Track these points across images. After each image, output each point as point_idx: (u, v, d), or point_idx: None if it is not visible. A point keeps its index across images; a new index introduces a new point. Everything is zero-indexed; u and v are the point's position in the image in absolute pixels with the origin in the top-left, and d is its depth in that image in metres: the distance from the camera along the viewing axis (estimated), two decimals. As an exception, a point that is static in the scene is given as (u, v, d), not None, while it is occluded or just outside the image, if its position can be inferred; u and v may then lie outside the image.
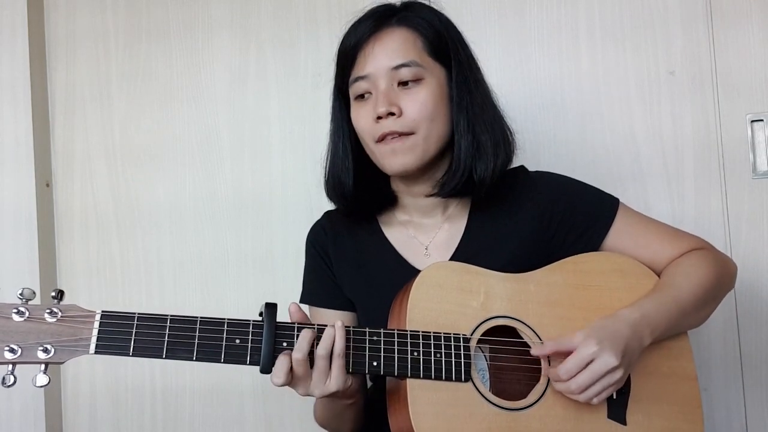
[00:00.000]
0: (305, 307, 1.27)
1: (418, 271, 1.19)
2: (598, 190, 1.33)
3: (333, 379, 1.06)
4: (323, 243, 1.36)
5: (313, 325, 1.08)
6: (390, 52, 1.22)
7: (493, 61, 1.68)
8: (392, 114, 1.20)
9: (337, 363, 1.06)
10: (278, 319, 1.07)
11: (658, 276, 1.27)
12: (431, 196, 1.27)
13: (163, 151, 1.91)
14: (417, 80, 1.21)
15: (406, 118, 1.20)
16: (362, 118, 1.24)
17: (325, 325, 1.08)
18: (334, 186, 1.31)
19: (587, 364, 1.09)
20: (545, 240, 1.28)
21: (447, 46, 1.24)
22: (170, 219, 1.90)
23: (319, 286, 1.36)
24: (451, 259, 1.27)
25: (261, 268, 1.85)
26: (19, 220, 1.88)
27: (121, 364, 1.89)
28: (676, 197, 1.65)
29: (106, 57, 1.95)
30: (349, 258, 1.34)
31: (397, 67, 1.21)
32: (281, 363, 1.04)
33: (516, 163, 1.32)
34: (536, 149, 1.68)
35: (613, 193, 1.34)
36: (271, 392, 1.79)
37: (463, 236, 1.29)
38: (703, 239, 1.32)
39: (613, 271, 1.24)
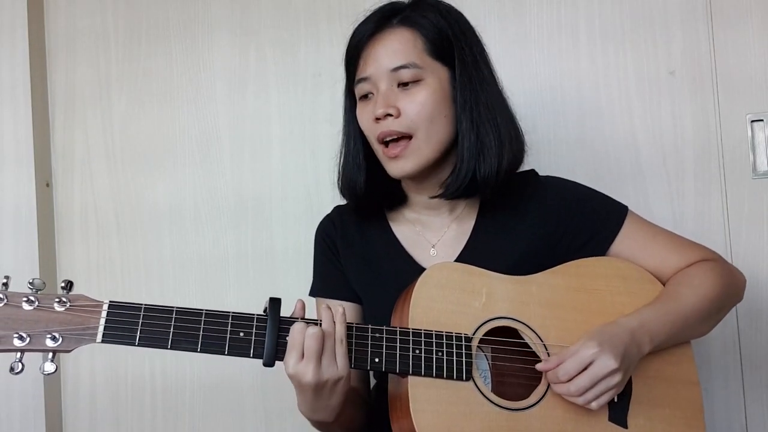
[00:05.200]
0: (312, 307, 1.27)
1: (423, 269, 1.20)
2: (608, 197, 1.33)
3: (339, 364, 1.07)
4: (332, 236, 1.38)
5: (318, 321, 1.09)
6: (390, 54, 1.22)
7: (493, 61, 1.68)
8: (390, 115, 1.20)
9: (341, 350, 1.07)
10: (282, 314, 1.08)
11: (663, 284, 1.26)
12: (436, 197, 1.27)
13: (163, 151, 1.91)
14: (416, 81, 1.21)
15: (404, 118, 1.20)
16: (364, 117, 1.25)
17: None
18: (346, 184, 1.32)
19: (587, 366, 1.09)
20: (552, 244, 1.28)
21: (450, 46, 1.24)
22: (170, 219, 1.90)
23: (327, 278, 1.38)
24: (458, 258, 1.27)
25: (261, 267, 1.85)
26: (19, 220, 1.87)
27: (121, 361, 1.89)
28: (676, 197, 1.65)
29: (106, 57, 1.95)
30: (357, 252, 1.35)
31: (396, 69, 1.21)
32: (294, 336, 1.05)
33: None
34: (536, 149, 1.66)
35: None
36: (271, 388, 1.80)
37: (470, 237, 1.30)
38: (712, 250, 1.32)
39: (616, 276, 1.24)
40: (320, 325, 1.08)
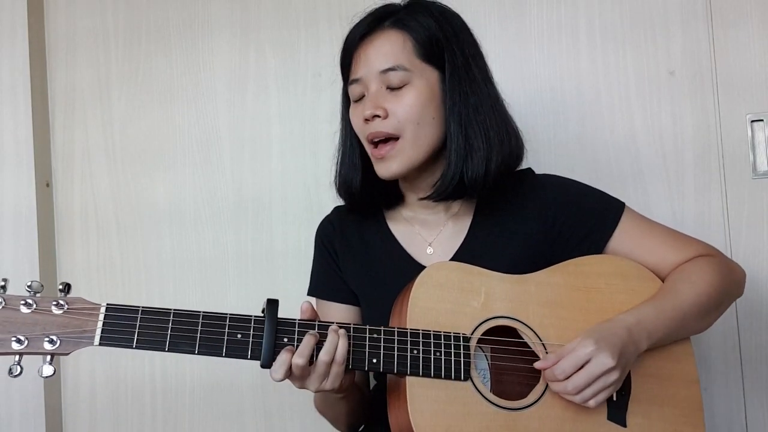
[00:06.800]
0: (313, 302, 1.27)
1: (420, 267, 1.20)
2: (604, 193, 1.33)
3: (329, 381, 1.08)
4: (330, 237, 1.39)
5: (315, 322, 1.09)
6: (379, 56, 1.24)
7: (493, 61, 1.67)
8: (378, 116, 1.22)
9: (336, 370, 1.07)
10: (280, 315, 1.08)
11: (662, 281, 1.26)
12: (425, 199, 1.29)
13: (163, 151, 1.91)
14: (405, 84, 1.23)
15: (392, 119, 1.22)
16: (355, 117, 1.27)
17: (327, 323, 1.09)
18: (342, 183, 1.34)
19: (583, 365, 1.09)
20: (549, 241, 1.28)
21: (441, 48, 1.24)
22: (170, 219, 1.90)
23: (325, 280, 1.39)
24: (454, 256, 1.28)
25: (261, 267, 1.85)
26: (19, 220, 1.87)
27: (121, 361, 1.89)
28: (676, 197, 1.65)
29: (106, 57, 1.95)
30: (355, 252, 1.36)
31: (385, 71, 1.23)
32: (282, 360, 1.05)
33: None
34: (536, 149, 1.68)
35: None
36: (271, 388, 1.80)
37: (467, 235, 1.30)
38: (711, 246, 1.31)
39: (615, 274, 1.24)
40: (316, 333, 1.07)
